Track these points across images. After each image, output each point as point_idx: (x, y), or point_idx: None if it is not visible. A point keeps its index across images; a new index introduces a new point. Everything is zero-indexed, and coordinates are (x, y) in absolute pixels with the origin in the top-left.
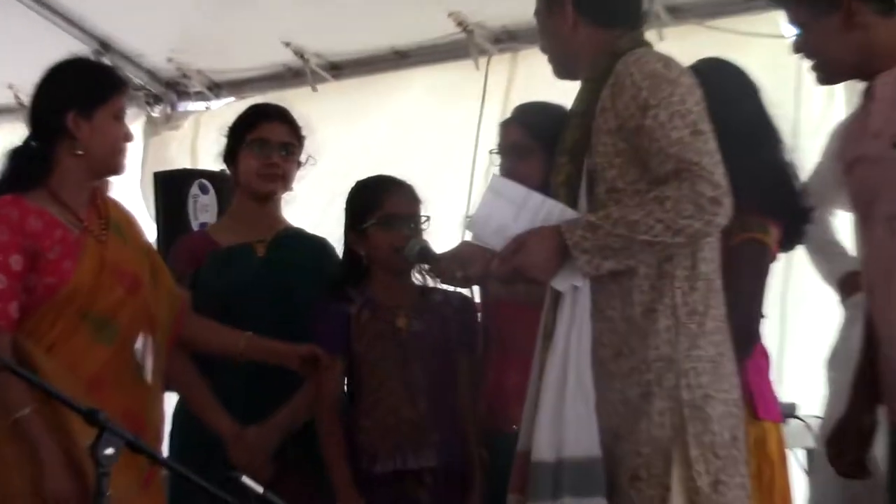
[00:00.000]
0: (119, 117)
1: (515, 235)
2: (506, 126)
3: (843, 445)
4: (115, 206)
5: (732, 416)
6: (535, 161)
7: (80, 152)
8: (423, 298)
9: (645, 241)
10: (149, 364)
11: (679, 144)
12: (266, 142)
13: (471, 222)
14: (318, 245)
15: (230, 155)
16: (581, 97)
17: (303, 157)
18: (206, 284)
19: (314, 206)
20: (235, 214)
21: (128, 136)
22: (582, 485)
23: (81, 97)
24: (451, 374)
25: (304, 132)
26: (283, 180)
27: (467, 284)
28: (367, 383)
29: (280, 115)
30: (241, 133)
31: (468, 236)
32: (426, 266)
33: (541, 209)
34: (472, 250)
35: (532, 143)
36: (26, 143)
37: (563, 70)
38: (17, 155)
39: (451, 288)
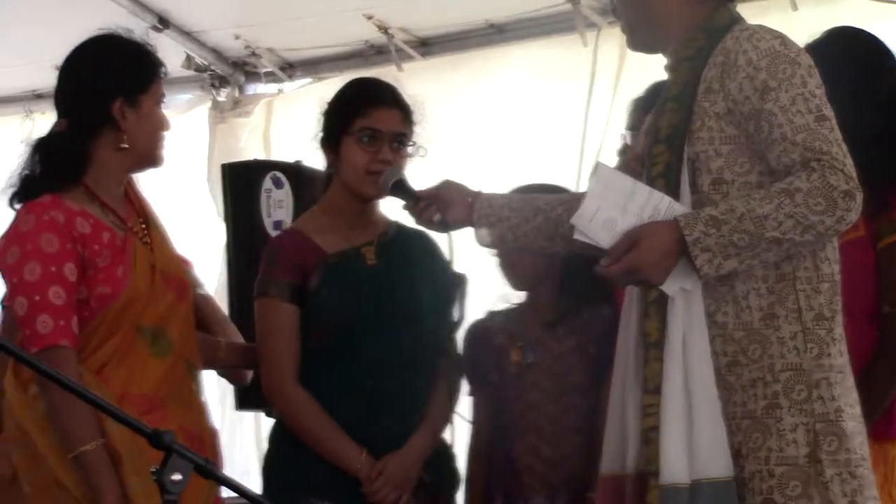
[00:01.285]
0: (160, 103)
1: (626, 231)
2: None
3: None
4: (146, 199)
5: (860, 432)
6: None
7: (125, 145)
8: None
9: (773, 239)
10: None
11: (805, 132)
12: (377, 133)
13: (577, 216)
14: (424, 242)
15: (330, 140)
16: (676, 78)
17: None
18: (317, 300)
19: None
20: (335, 211)
21: (167, 124)
22: None
23: (127, 83)
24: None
25: (416, 117)
26: None
27: (444, 230)
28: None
29: (394, 100)
30: (348, 117)
31: (576, 233)
32: (401, 202)
33: (648, 202)
34: (454, 193)
35: None
36: (60, 134)
37: (643, 42)
38: (49, 147)
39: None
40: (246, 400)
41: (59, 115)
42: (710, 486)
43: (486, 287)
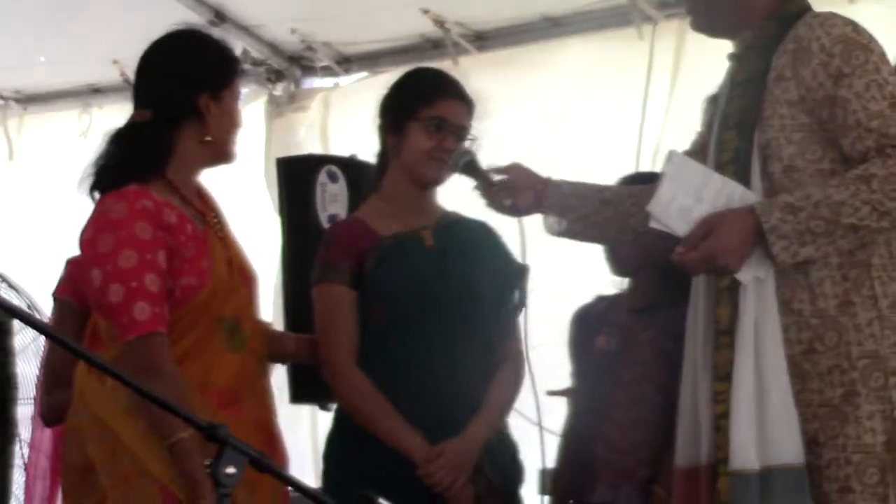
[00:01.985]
0: (238, 100)
1: (702, 219)
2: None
3: None
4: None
5: None
6: None
7: (208, 138)
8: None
9: (849, 226)
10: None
11: (879, 118)
12: (444, 122)
13: (653, 204)
14: (483, 230)
15: (394, 124)
16: (745, 65)
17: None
18: (374, 282)
19: (453, 192)
20: (392, 197)
21: (242, 122)
22: (791, 494)
23: (213, 77)
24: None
25: (478, 113)
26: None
27: (515, 215)
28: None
29: (460, 93)
30: (417, 104)
31: (652, 221)
32: (471, 181)
33: (722, 190)
34: (524, 178)
35: None
36: (144, 124)
37: (713, 26)
38: (134, 138)
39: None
40: (301, 393)
41: (140, 107)
42: (782, 472)
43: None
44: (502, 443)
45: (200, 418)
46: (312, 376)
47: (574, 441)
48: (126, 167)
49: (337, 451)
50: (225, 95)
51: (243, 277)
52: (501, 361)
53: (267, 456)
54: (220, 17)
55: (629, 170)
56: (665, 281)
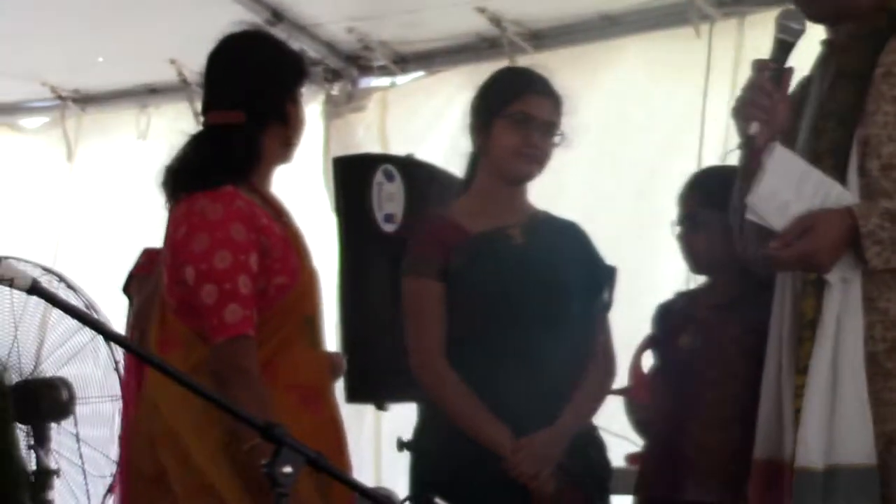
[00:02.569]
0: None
1: (800, 217)
2: None
3: None
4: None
5: None
6: None
7: (294, 141)
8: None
9: None
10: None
11: None
12: (530, 118)
13: (753, 196)
14: (573, 231)
15: (481, 122)
16: (850, 56)
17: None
18: (462, 278)
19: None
20: (482, 195)
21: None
22: (856, 496)
23: (293, 79)
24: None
25: (565, 108)
26: (540, 164)
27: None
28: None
29: (546, 89)
30: (502, 101)
31: (748, 213)
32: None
33: (820, 187)
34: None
35: None
36: (236, 126)
37: (826, 12)
38: (225, 139)
39: None
40: (357, 393)
41: (226, 107)
42: (849, 472)
43: None
44: (589, 439)
45: (282, 420)
46: (368, 375)
47: (660, 440)
48: (220, 168)
49: (424, 443)
50: (299, 97)
51: (316, 276)
52: (591, 358)
53: (323, 455)
54: (277, 16)
55: (691, 170)
56: (745, 276)
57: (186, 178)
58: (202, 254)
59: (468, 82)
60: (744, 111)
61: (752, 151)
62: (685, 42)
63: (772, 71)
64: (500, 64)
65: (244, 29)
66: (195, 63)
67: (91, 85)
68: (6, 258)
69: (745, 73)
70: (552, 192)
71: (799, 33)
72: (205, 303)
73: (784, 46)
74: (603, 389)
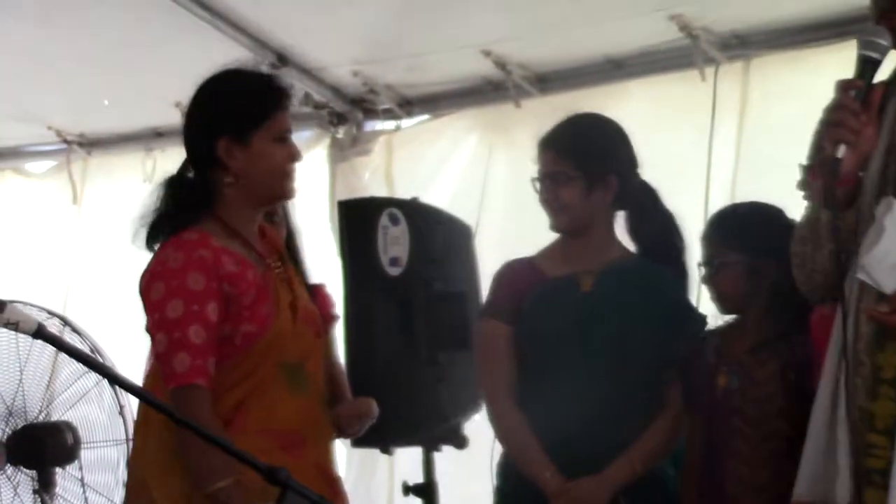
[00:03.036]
0: (282, 138)
1: None
2: None
3: None
4: (275, 233)
5: None
6: None
7: (229, 180)
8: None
9: None
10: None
11: None
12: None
13: (869, 256)
14: (656, 280)
15: None
16: None
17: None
18: (528, 323)
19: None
20: (567, 240)
21: (293, 156)
22: None
23: (234, 121)
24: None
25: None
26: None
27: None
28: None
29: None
30: None
31: (860, 272)
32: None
33: None
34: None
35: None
36: (182, 172)
37: None
38: (174, 184)
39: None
40: (362, 437)
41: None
42: None
43: None
44: (651, 485)
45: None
46: (374, 421)
47: (702, 478)
48: (179, 212)
49: (500, 480)
50: (254, 136)
51: (308, 319)
52: (662, 408)
53: (328, 500)
54: (282, 59)
55: (698, 213)
56: (778, 313)
57: (154, 227)
58: (157, 303)
59: (473, 125)
60: (828, 133)
61: (836, 176)
62: (690, 85)
63: (857, 90)
64: (506, 107)
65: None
66: None
67: (96, 128)
68: (12, 302)
69: (751, 116)
70: (549, 237)
71: (886, 49)
72: (157, 351)
73: (870, 64)
74: (667, 439)
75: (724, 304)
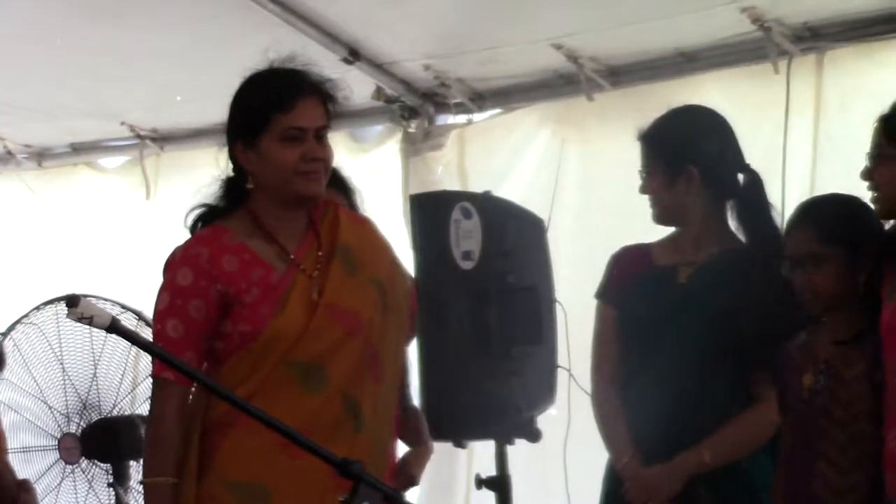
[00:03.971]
0: (290, 137)
1: None
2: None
3: None
4: (350, 227)
5: None
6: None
7: (250, 185)
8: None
9: None
10: (368, 410)
11: None
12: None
13: None
14: (756, 272)
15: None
16: None
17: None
18: (627, 308)
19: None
20: (677, 230)
21: (305, 155)
22: None
23: (241, 126)
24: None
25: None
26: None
27: None
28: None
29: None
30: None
31: None
32: None
33: None
34: None
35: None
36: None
37: None
38: (226, 180)
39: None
40: (437, 431)
41: None
42: None
43: None
44: (734, 477)
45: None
46: (447, 413)
47: (790, 479)
48: (213, 206)
49: (608, 468)
50: (261, 139)
51: (339, 318)
52: (750, 404)
53: (401, 494)
54: (354, 54)
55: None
56: (867, 309)
57: (194, 218)
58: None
59: (545, 119)
60: None
61: None
62: (764, 78)
63: None
64: (578, 100)
65: None
66: None
67: (169, 124)
68: (86, 297)
69: (827, 110)
70: (621, 222)
71: None
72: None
73: None
74: (752, 432)
75: (817, 301)
